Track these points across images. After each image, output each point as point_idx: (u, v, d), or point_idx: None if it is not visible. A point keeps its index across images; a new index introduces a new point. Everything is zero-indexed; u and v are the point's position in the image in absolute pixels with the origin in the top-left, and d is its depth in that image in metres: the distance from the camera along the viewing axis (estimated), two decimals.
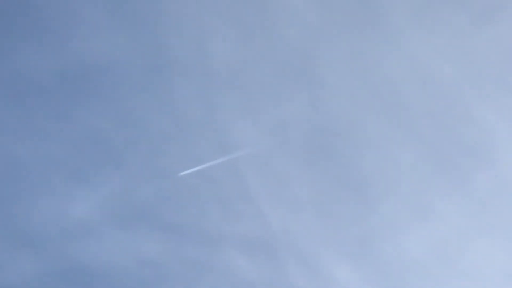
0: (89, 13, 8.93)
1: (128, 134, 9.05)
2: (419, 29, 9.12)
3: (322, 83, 9.25)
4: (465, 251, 8.86)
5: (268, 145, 9.17)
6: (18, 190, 8.77)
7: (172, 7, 9.11)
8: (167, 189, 9.03)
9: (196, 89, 9.19)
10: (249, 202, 9.07)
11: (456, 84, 8.98)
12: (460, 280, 8.81)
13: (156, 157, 9.09)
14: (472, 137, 8.92)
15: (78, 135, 8.98)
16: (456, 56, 9.02)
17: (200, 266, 8.92)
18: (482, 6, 9.02)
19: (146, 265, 8.85)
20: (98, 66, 9.08)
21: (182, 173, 9.04)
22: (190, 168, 9.06)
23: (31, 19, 8.79)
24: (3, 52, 8.85)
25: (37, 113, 8.93)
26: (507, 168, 8.78)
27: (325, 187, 9.15)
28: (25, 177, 8.84)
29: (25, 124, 8.85)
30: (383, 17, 9.19)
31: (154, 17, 9.08)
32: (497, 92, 8.87)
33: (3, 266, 8.60)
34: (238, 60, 9.22)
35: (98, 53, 9.05)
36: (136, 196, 8.99)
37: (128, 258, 8.83)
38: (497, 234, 8.82)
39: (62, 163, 8.93)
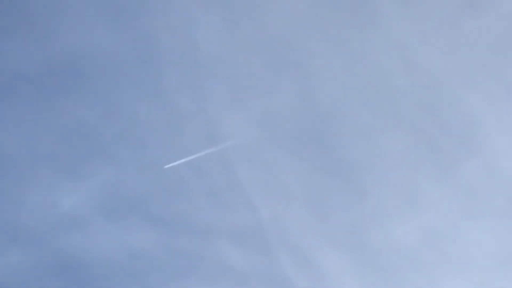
0: (76, 5, 8.87)
1: (117, 126, 8.99)
2: (408, 18, 9.14)
3: (311, 72, 9.24)
4: (454, 238, 8.88)
5: (257, 135, 9.15)
6: (6, 183, 8.69)
7: None
8: (156, 180, 8.98)
9: (184, 80, 9.14)
10: (239, 192, 9.04)
11: (444, 72, 9.01)
12: (450, 266, 8.84)
13: (145, 148, 9.04)
14: (460, 124, 8.96)
15: (67, 127, 8.91)
16: (444, 45, 9.06)
17: (190, 257, 8.87)
18: None
19: (136, 257, 8.80)
20: (86, 57, 9.02)
21: (171, 165, 8.99)
22: (179, 159, 9.02)
23: (19, 11, 8.70)
24: None
25: (25, 104, 8.85)
26: (494, 155, 8.83)
27: (314, 177, 9.14)
28: (13, 169, 8.75)
29: (12, 116, 8.77)
30: (372, 6, 9.20)
31: (141, 8, 9.03)
32: (485, 81, 8.91)
33: None
34: (226, 50, 9.20)
35: (86, 44, 8.99)
36: (126, 188, 8.94)
37: (118, 250, 8.77)
38: (486, 220, 8.86)
39: (50, 155, 8.85)
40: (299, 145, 9.18)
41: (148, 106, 9.06)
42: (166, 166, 8.98)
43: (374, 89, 9.12)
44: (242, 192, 9.04)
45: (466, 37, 8.92)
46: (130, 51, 9.03)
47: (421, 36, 9.02)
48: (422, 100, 9.04)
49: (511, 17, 8.82)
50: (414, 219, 8.98)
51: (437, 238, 8.91)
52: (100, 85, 8.97)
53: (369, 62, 9.14)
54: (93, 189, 8.87)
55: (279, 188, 9.09)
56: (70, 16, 8.87)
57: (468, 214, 8.89)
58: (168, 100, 9.07)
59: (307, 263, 8.94)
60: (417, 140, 9.05)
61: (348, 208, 9.08)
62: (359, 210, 9.06)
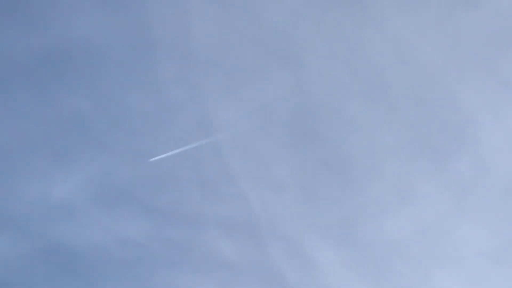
0: None
1: (110, 116, 9.00)
2: (403, 12, 9.09)
3: (305, 65, 9.21)
4: (447, 234, 8.85)
5: (250, 126, 9.13)
6: None
7: None
8: (148, 170, 8.99)
9: (178, 70, 9.13)
10: (231, 183, 9.03)
11: (439, 67, 8.96)
12: (441, 261, 8.81)
13: (137, 138, 9.03)
14: (455, 120, 8.91)
15: (60, 116, 8.91)
16: (439, 39, 9.00)
17: (181, 247, 8.88)
18: None
19: (126, 246, 8.81)
20: (80, 47, 9.01)
21: (164, 155, 8.99)
22: (172, 149, 9.01)
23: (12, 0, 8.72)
24: None
25: (18, 93, 8.86)
26: (489, 151, 8.78)
27: (307, 169, 9.12)
28: (6, 158, 8.77)
29: (5, 104, 8.78)
30: (368, 0, 9.15)
31: None
32: (480, 75, 8.86)
33: None
34: (221, 41, 9.17)
35: (80, 34, 8.98)
36: (117, 177, 8.95)
37: (109, 239, 8.79)
38: (479, 217, 8.82)
39: (43, 144, 8.86)
40: (292, 138, 9.16)
41: (141, 96, 9.06)
42: (158, 156, 8.98)
43: (368, 83, 9.08)
44: (234, 184, 9.03)
45: (461, 32, 8.86)
46: (124, 41, 9.02)
47: (417, 31, 8.97)
48: (417, 95, 9.00)
49: (508, 12, 8.73)
50: (406, 214, 8.95)
51: (429, 233, 8.89)
52: (94, 75, 8.97)
53: (364, 56, 9.10)
54: (85, 178, 8.88)
55: (272, 180, 9.08)
56: (63, 5, 8.87)
57: (461, 210, 8.85)
58: (161, 91, 9.07)
59: (299, 255, 8.94)
60: (411, 135, 9.01)
61: (340, 201, 9.06)
62: (351, 203, 9.03)
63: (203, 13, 9.13)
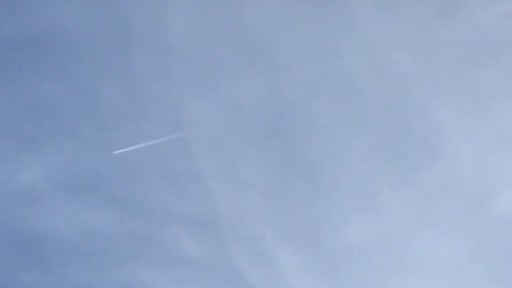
0: None
1: (81, 104, 9.02)
2: (381, 22, 9.12)
3: (280, 67, 9.24)
4: (409, 245, 8.90)
5: (222, 125, 9.17)
6: None
7: None
8: (117, 161, 9.02)
9: (153, 64, 9.16)
10: (198, 180, 9.06)
11: (413, 78, 9.01)
12: (403, 273, 8.86)
13: (107, 129, 9.06)
14: (425, 131, 8.96)
15: (30, 102, 8.93)
16: (415, 50, 9.04)
17: (143, 240, 8.91)
18: (444, 2, 9.03)
19: (90, 236, 8.84)
20: (55, 34, 9.03)
21: (133, 147, 9.01)
22: (142, 142, 9.04)
23: None
24: None
25: None
26: (455, 164, 8.82)
27: (275, 171, 9.15)
28: None
29: None
30: (347, 8, 9.18)
31: None
32: (453, 89, 8.90)
33: None
34: (198, 38, 9.20)
35: (56, 21, 9.00)
36: (85, 167, 8.97)
37: (72, 228, 8.82)
38: (442, 229, 8.88)
39: (11, 129, 8.88)
40: (263, 139, 9.19)
41: (114, 88, 9.08)
42: (128, 148, 9.00)
43: (342, 89, 9.12)
44: (201, 181, 9.07)
45: (437, 45, 8.90)
46: (102, 31, 9.05)
47: (393, 41, 9.01)
48: (389, 105, 9.04)
49: (483, 28, 8.78)
50: (370, 222, 9.00)
51: (391, 243, 8.93)
52: (67, 62, 8.99)
53: (339, 62, 9.14)
54: (52, 165, 8.90)
55: (239, 180, 9.11)
56: None
57: (424, 221, 8.90)
58: (135, 84, 9.09)
59: (260, 256, 8.98)
60: (380, 144, 9.05)
61: (306, 205, 9.10)
62: (317, 208, 9.08)
63: (183, 9, 9.16)
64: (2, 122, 8.82)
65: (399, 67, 8.97)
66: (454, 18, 8.91)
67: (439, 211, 8.87)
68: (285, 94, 9.18)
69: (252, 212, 9.04)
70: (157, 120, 9.07)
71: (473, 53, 8.88)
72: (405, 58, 8.97)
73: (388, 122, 9.00)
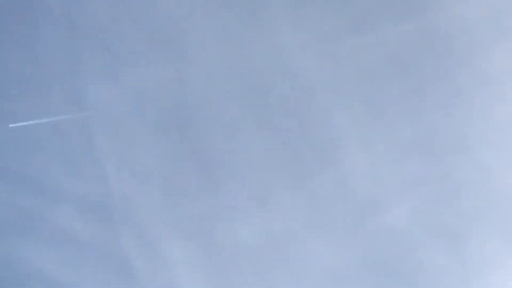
0: None
1: None
2: (294, 25, 9.20)
3: (190, 59, 9.24)
4: (297, 248, 9.02)
5: (124, 110, 9.12)
6: None
7: None
8: (13, 135, 8.88)
9: (60, 41, 9.06)
10: (95, 163, 9.01)
11: (317, 84, 9.11)
12: (286, 275, 8.98)
13: (7, 101, 8.91)
14: (324, 139, 9.08)
15: None
16: (323, 59, 9.15)
17: (31, 218, 8.82)
18: (359, 15, 9.16)
19: None
20: None
21: (31, 122, 8.89)
22: (41, 118, 8.92)
23: None
24: None
25: None
26: (349, 174, 8.97)
27: (173, 162, 9.16)
28: None
29: None
30: (262, 7, 9.23)
31: None
32: (354, 99, 9.05)
33: None
34: (108, 18, 9.12)
35: None
36: None
37: None
38: (330, 235, 9.01)
39: None
40: (164, 129, 9.19)
41: (19, 60, 8.95)
42: (26, 123, 8.87)
43: (248, 88, 9.17)
44: (98, 164, 9.01)
45: (344, 55, 9.03)
46: (8, 5, 8.90)
47: (303, 46, 9.10)
48: (292, 108, 9.13)
49: (392, 43, 8.95)
50: (261, 222, 9.08)
51: (279, 245, 9.04)
52: None
53: (248, 61, 9.19)
54: None
55: (136, 167, 9.09)
56: None
57: (314, 226, 9.03)
58: (40, 58, 8.97)
59: (148, 245, 8.99)
60: (279, 145, 9.14)
61: (200, 199, 9.13)
62: (210, 203, 9.12)
63: None
64: None
65: (306, 72, 9.07)
66: (366, 31, 9.05)
67: (329, 217, 9.01)
68: (191, 86, 9.20)
69: (146, 201, 9.04)
70: (59, 98, 8.98)
71: (379, 67, 9.04)
72: (312, 64, 9.08)
73: (290, 125, 9.10)
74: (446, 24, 8.91)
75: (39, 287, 8.72)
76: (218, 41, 9.21)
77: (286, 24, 9.16)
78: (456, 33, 8.89)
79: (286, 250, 9.03)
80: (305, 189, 9.05)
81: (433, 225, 8.77)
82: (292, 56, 9.12)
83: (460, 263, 8.66)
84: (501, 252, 8.58)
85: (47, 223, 8.85)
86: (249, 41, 9.21)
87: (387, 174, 8.92)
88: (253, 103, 9.13)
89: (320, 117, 9.04)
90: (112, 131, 9.06)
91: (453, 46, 8.89)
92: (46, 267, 8.74)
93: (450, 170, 8.78)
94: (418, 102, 8.94)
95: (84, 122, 9.00)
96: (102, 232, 8.94)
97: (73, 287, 8.77)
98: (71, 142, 8.99)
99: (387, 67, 9.03)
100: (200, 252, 9.02)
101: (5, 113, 8.89)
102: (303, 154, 9.06)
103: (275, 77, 9.16)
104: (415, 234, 8.80)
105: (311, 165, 9.05)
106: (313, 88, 9.07)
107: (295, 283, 8.96)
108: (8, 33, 8.94)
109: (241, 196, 9.08)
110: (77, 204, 8.94)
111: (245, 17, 9.23)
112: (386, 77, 9.03)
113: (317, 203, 9.03)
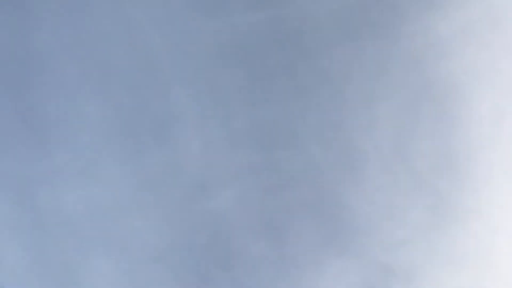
0: None
1: None
2: (148, 4, 9.10)
3: (34, 16, 9.01)
4: (119, 223, 8.89)
5: None
6: None
7: None
8: None
9: None
10: None
11: (160, 58, 9.02)
12: (105, 249, 8.86)
13: None
14: (160, 112, 8.99)
15: None
16: (173, 37, 9.07)
17: None
18: (214, 2, 9.14)
19: None
20: None
21: None
22: None
23: None
24: None
25: None
26: (182, 153, 8.92)
27: (1, 118, 8.90)
28: None
29: None
30: None
31: None
32: (196, 78, 9.00)
33: None
34: None
35: None
36: None
37: None
38: (154, 213, 8.92)
39: None
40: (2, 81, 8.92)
41: None
42: None
43: (91, 55, 9.01)
44: None
45: (194, 35, 8.98)
46: None
47: (156, 22, 9.00)
48: (131, 79, 9.02)
49: (239, 31, 8.95)
50: (87, 191, 8.91)
51: (102, 217, 8.89)
52: None
53: (93, 28, 9.01)
54: None
55: None
56: None
57: (139, 202, 8.92)
58: None
59: None
60: (113, 117, 9.02)
61: (28, 161, 8.89)
62: (36, 167, 8.89)
63: None
64: None
65: (151, 46, 8.98)
66: (217, 14, 9.02)
67: (156, 196, 8.92)
68: (34, 42, 8.96)
69: None
70: None
71: (225, 52, 9.02)
72: (159, 39, 8.99)
73: (129, 97, 8.97)
74: (296, 19, 8.98)
75: None
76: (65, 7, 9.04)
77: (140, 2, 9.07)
78: (305, 29, 8.96)
79: (108, 223, 8.89)
80: (136, 165, 8.94)
81: (256, 215, 8.80)
82: (142, 31, 9.02)
83: (277, 253, 8.71)
84: (317, 247, 8.70)
85: None
86: (100, 10, 9.06)
87: (219, 159, 8.91)
88: (94, 71, 8.97)
89: (160, 92, 8.95)
90: None
91: (300, 42, 8.96)
92: None
93: (279, 163, 8.83)
94: (260, 92, 8.96)
95: None
96: None
97: None
98: None
99: (234, 53, 9.03)
100: (22, 214, 8.78)
101: None
102: (137, 128, 8.95)
103: (121, 49, 9.02)
104: (237, 221, 8.81)
105: (144, 140, 8.95)
106: (156, 61, 8.98)
107: (110, 259, 8.84)
108: None
109: (69, 162, 8.89)
110: None
111: None
112: (231, 63, 9.02)
113: (145, 180, 8.93)
